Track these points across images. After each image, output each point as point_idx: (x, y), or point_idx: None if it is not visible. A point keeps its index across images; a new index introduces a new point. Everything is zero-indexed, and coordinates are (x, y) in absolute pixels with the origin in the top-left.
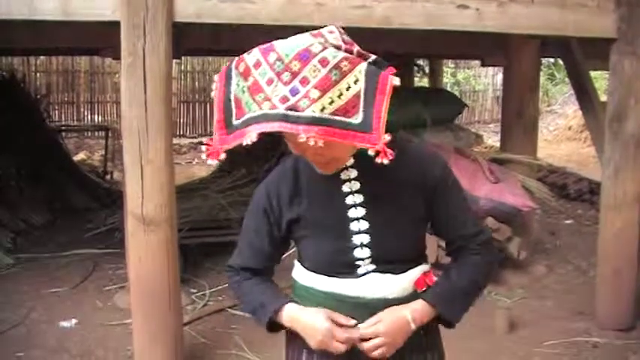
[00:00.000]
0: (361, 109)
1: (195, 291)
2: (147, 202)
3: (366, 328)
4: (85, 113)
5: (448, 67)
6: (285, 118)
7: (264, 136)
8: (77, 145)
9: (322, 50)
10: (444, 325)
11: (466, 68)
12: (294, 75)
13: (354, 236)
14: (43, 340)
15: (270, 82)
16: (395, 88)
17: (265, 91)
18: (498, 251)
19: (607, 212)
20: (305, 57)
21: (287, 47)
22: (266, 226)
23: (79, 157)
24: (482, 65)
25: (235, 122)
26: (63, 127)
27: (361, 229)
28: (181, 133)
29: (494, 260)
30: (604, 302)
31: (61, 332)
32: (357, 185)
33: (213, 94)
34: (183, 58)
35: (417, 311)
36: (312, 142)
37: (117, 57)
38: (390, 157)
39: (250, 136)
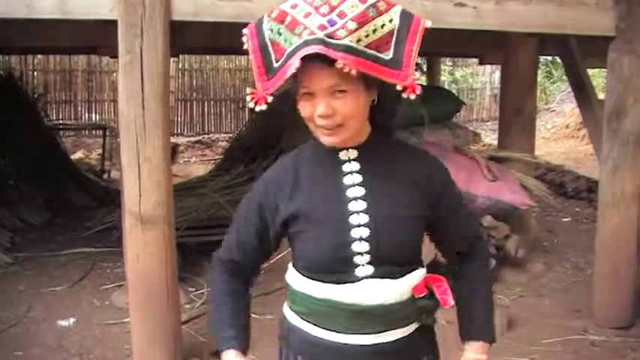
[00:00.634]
0: (393, 46)
1: (193, 289)
2: (144, 201)
3: None
4: (83, 112)
5: (446, 65)
6: (323, 43)
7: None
8: (75, 144)
9: None
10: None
11: (464, 66)
12: (333, 9)
13: (353, 229)
14: (41, 339)
15: (307, 14)
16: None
17: (303, 22)
18: (496, 249)
19: (605, 210)
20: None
21: None
22: (257, 220)
23: (77, 155)
24: (480, 63)
25: (276, 65)
26: (61, 126)
27: (361, 222)
28: (179, 131)
29: (491, 264)
30: (602, 300)
31: (60, 331)
32: (358, 178)
33: (245, 46)
34: (181, 56)
35: (479, 352)
36: (346, 69)
37: (114, 55)
38: (418, 93)
39: (294, 64)
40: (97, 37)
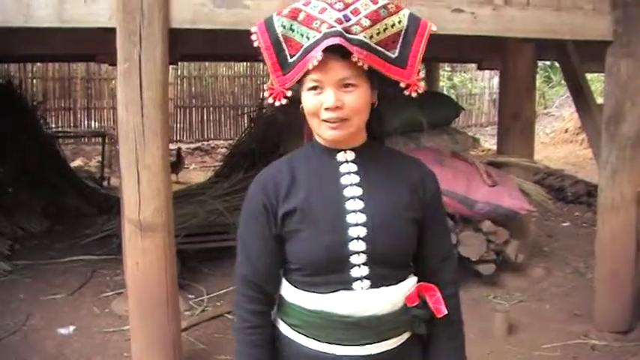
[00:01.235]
0: (399, 45)
1: (193, 297)
2: (144, 208)
3: None
4: (82, 119)
5: (444, 70)
6: (342, 35)
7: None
8: (74, 152)
9: None
10: None
11: (462, 72)
12: (347, 6)
13: (350, 228)
14: (41, 347)
15: (323, 10)
16: (394, 91)
17: (320, 17)
18: (496, 254)
19: (604, 214)
20: None
21: None
22: (267, 225)
23: (76, 163)
24: (479, 69)
25: (291, 60)
26: (60, 134)
27: (358, 221)
28: (178, 138)
29: (459, 293)
30: (602, 304)
31: (59, 339)
32: (356, 179)
33: (255, 44)
34: (179, 63)
35: None
36: (360, 63)
37: (113, 63)
38: (420, 91)
39: (316, 57)
40: (96, 45)
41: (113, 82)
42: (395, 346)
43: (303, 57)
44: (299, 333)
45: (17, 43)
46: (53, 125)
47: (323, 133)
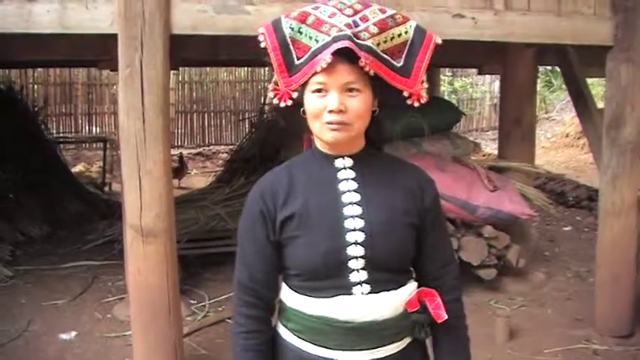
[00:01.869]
0: (404, 55)
1: (194, 302)
2: (145, 214)
3: None
4: (83, 125)
5: (445, 75)
6: (351, 39)
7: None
8: (75, 157)
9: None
10: None
11: (463, 76)
12: (356, 12)
13: (348, 233)
14: (42, 353)
15: (332, 15)
16: (397, 100)
17: (329, 21)
18: (497, 259)
19: (605, 218)
20: (366, 3)
21: None
22: (264, 231)
23: (78, 168)
24: (479, 73)
25: (298, 62)
26: (61, 139)
27: (356, 227)
28: (179, 143)
29: (461, 298)
30: (603, 309)
31: (61, 344)
32: (353, 185)
33: (262, 45)
34: (180, 68)
35: None
36: (367, 68)
37: (114, 69)
38: (423, 101)
39: (325, 59)
40: (97, 51)
41: (114, 87)
42: (395, 351)
43: (311, 59)
44: (300, 338)
45: (19, 48)
46: (54, 130)
47: (324, 135)
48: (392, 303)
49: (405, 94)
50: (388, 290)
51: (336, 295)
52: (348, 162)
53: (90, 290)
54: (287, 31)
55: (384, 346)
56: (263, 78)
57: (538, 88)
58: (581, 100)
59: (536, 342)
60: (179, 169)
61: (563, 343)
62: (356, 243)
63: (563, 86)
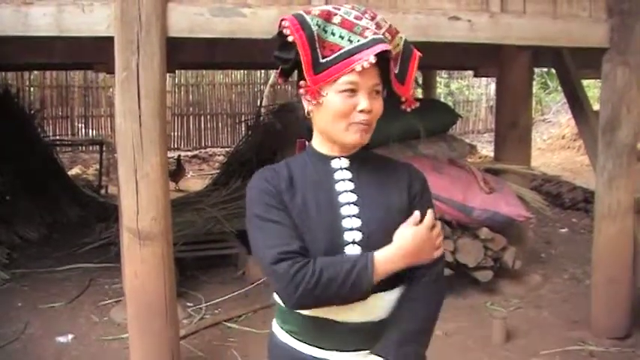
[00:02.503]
0: (399, 64)
1: (191, 305)
2: (142, 216)
3: None
4: (80, 127)
5: (441, 77)
6: (385, 43)
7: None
8: (72, 160)
9: None
10: None
11: (459, 79)
12: (373, 18)
13: (346, 232)
14: (39, 356)
15: (358, 17)
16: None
17: (360, 23)
18: (493, 261)
19: (601, 220)
20: (373, 11)
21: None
22: (281, 205)
23: (74, 171)
24: (475, 76)
25: (323, 60)
26: (57, 142)
27: (354, 226)
28: (176, 146)
29: (443, 291)
30: (599, 311)
31: (58, 347)
32: (350, 186)
33: (289, 39)
34: (177, 71)
35: None
36: (395, 72)
37: (111, 72)
38: (414, 107)
39: (367, 60)
40: (94, 54)
41: (111, 90)
42: None
43: (344, 58)
44: (296, 339)
45: (15, 51)
46: (51, 133)
47: (348, 136)
48: (387, 304)
49: (402, 99)
50: (384, 290)
51: None
52: (345, 163)
53: (87, 293)
54: (314, 28)
55: None
56: (259, 81)
57: (534, 90)
58: (576, 102)
59: (532, 344)
60: (177, 172)
61: (559, 344)
62: (353, 242)
63: (559, 88)
